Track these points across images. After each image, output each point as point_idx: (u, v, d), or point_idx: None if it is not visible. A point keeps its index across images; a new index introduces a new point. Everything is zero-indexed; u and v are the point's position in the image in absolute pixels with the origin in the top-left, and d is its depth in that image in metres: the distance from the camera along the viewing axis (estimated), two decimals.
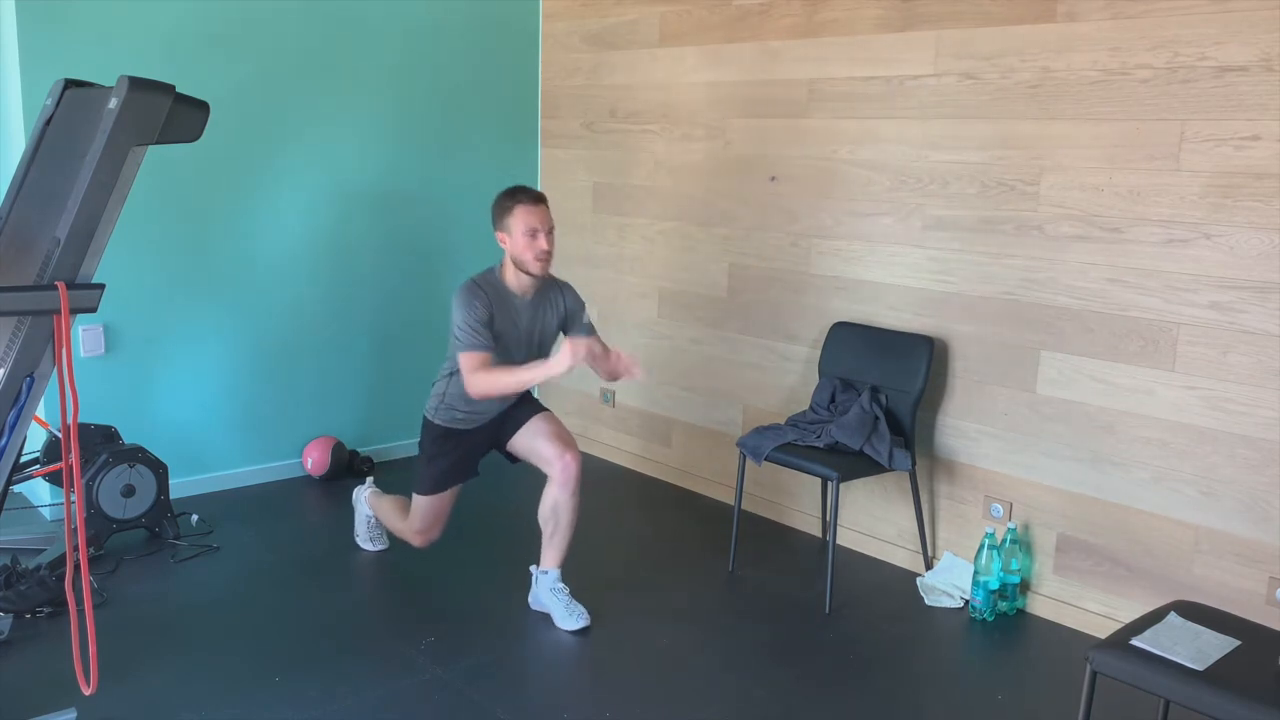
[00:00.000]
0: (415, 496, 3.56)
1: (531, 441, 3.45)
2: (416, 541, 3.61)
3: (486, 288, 3.34)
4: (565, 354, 3.04)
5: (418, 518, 3.56)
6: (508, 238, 3.33)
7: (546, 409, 3.56)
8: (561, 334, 3.53)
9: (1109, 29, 3.23)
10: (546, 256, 3.32)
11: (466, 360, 3.26)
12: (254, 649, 3.20)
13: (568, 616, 3.36)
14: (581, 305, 3.51)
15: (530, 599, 3.49)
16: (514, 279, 3.37)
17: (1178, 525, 3.23)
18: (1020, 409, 3.56)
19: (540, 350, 3.46)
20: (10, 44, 3.95)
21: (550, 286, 3.48)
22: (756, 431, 3.80)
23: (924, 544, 3.83)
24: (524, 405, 3.55)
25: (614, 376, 3.36)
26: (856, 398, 3.78)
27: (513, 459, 3.60)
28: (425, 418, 3.55)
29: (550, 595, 3.41)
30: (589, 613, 3.39)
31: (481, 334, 3.27)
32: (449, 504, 3.57)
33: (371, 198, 4.80)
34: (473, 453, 3.55)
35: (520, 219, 3.29)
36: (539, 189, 5.30)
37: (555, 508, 3.37)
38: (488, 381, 3.24)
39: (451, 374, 3.44)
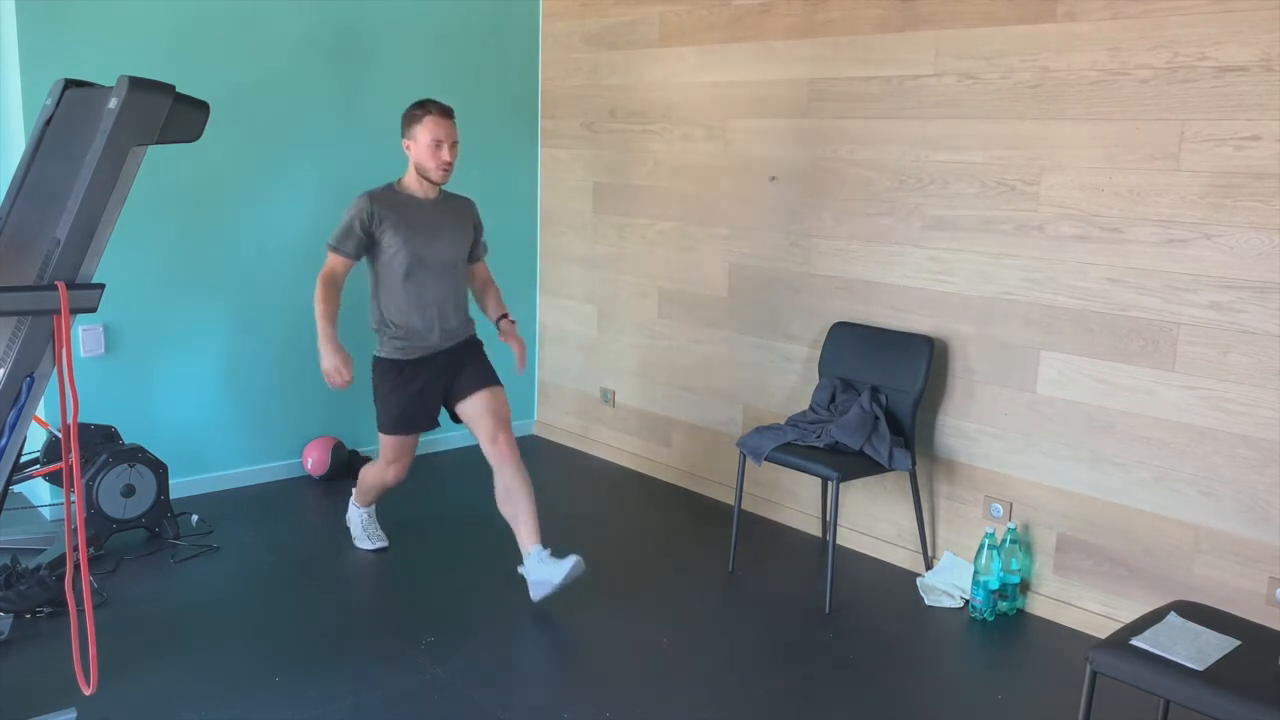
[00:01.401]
0: (381, 436, 3.68)
1: (472, 416, 3.60)
2: (390, 475, 3.76)
3: (379, 197, 3.52)
4: (324, 364, 3.41)
5: (387, 450, 3.70)
6: (413, 144, 3.51)
7: (494, 381, 3.65)
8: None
9: (1109, 29, 3.23)
10: (448, 167, 3.51)
11: (329, 256, 3.50)
12: (254, 649, 3.20)
13: (561, 569, 3.40)
14: (482, 227, 3.77)
15: (532, 594, 3.49)
16: (417, 184, 3.56)
17: (1178, 525, 3.23)
18: (1020, 409, 3.56)
19: (454, 247, 3.61)
20: (10, 44, 3.95)
21: (457, 199, 3.69)
22: (756, 431, 3.80)
23: (924, 544, 3.83)
24: (475, 366, 3.65)
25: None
26: (856, 398, 3.78)
27: (457, 419, 3.72)
28: (375, 356, 3.67)
29: (543, 568, 3.45)
30: (590, 614, 3.39)
31: (346, 242, 3.49)
32: (412, 443, 3.71)
33: None
34: (425, 396, 3.63)
35: (427, 129, 3.48)
36: (538, 187, 5.32)
37: (506, 489, 3.51)
38: (318, 292, 3.47)
39: (377, 297, 3.59)
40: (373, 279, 3.59)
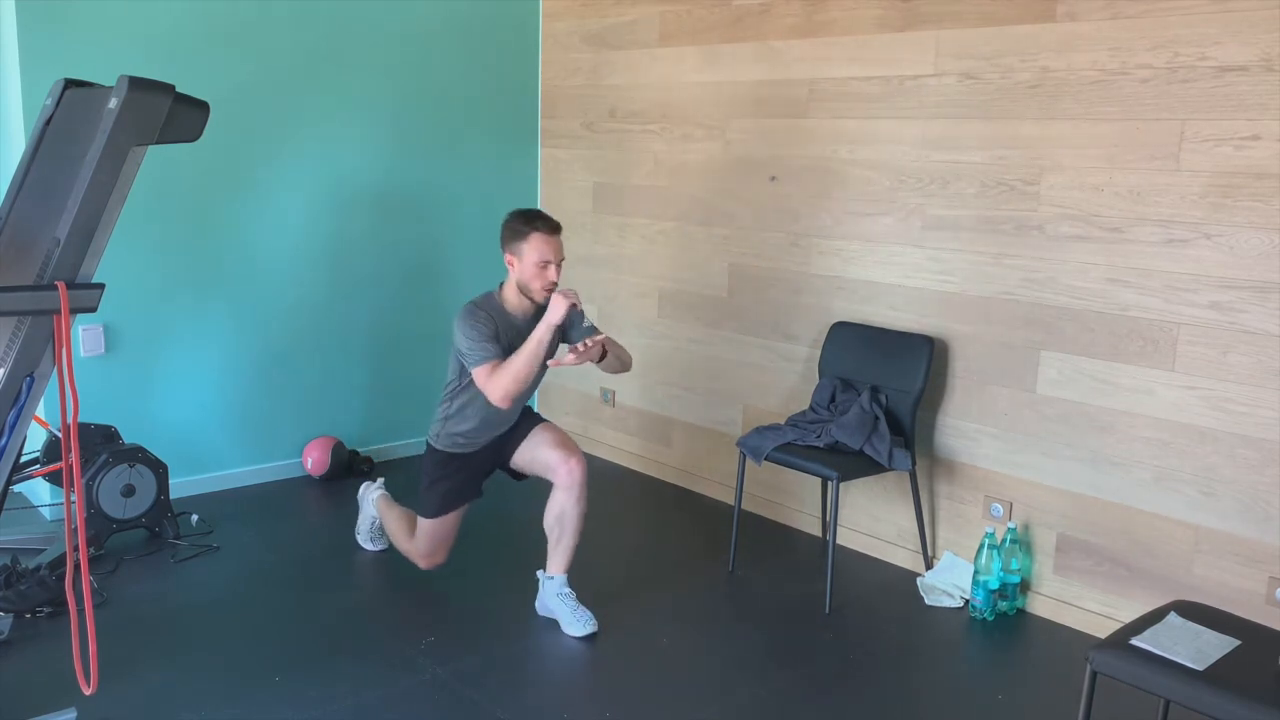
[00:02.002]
0: (420, 520, 3.56)
1: (534, 451, 3.45)
2: (422, 564, 3.62)
3: (487, 309, 3.34)
4: (557, 303, 3.16)
5: (424, 541, 3.57)
6: (517, 262, 3.30)
7: (545, 419, 3.57)
8: (564, 343, 3.51)
9: (1109, 29, 3.23)
10: (554, 288, 3.30)
11: (481, 372, 3.25)
12: (254, 649, 3.20)
13: (574, 622, 3.35)
14: (580, 314, 3.42)
15: (537, 604, 3.48)
16: (515, 301, 3.37)
17: (1178, 525, 3.23)
18: (1020, 409, 3.56)
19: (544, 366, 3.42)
20: (10, 44, 3.95)
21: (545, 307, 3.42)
22: (756, 431, 3.80)
23: (924, 544, 3.83)
24: (523, 420, 3.55)
25: (599, 360, 3.34)
26: (856, 398, 3.78)
27: (517, 476, 3.60)
28: (428, 443, 3.55)
29: (557, 600, 3.40)
30: (591, 614, 3.39)
31: (490, 347, 3.26)
32: (454, 527, 3.57)
33: (371, 197, 4.80)
34: (476, 474, 3.56)
35: (534, 248, 3.27)
36: (538, 187, 5.32)
37: (561, 515, 3.37)
38: (504, 375, 3.20)
39: (451, 398, 3.45)
40: (456, 375, 3.43)
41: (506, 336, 3.33)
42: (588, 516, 3.43)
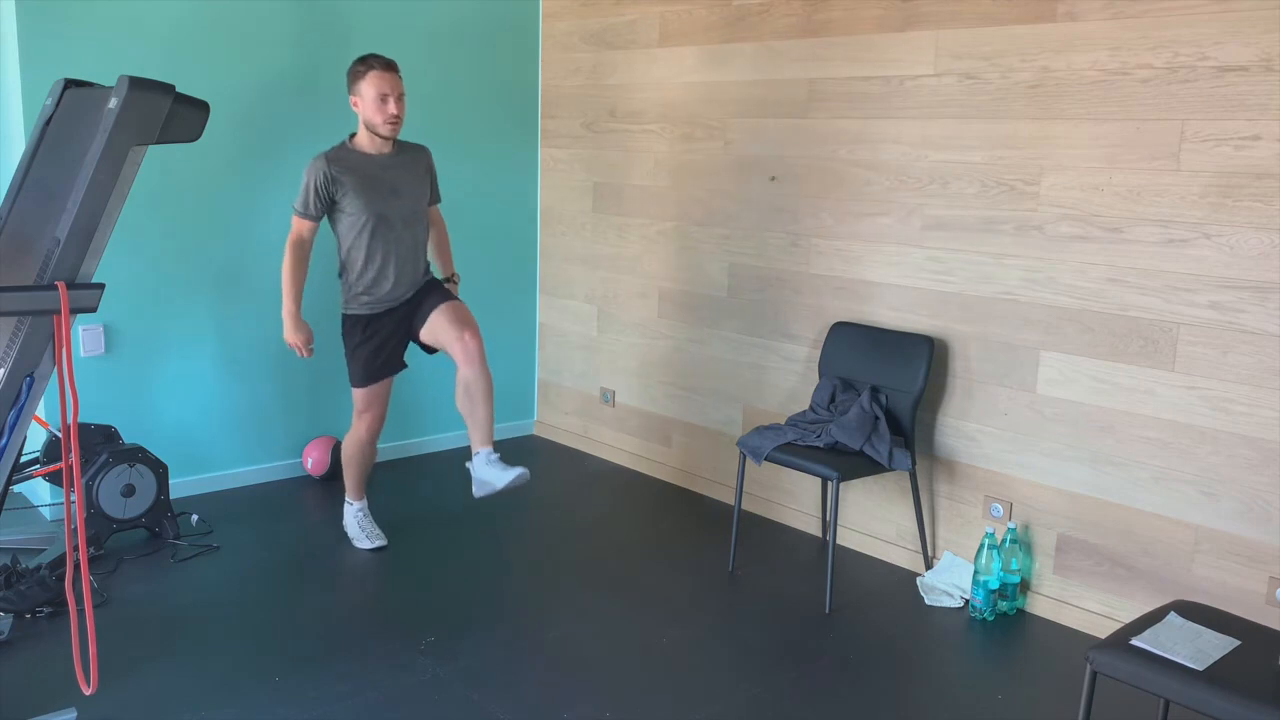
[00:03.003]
0: (354, 392, 3.78)
1: (434, 331, 3.67)
2: (363, 429, 3.82)
3: (333, 157, 3.56)
4: (287, 336, 3.60)
5: (359, 401, 3.78)
6: (360, 101, 3.55)
7: (452, 297, 3.73)
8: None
9: (1109, 29, 3.23)
10: (395, 120, 3.54)
11: (294, 221, 3.58)
12: (254, 649, 3.20)
13: (505, 474, 3.47)
14: (435, 173, 3.84)
15: (474, 487, 3.57)
16: (368, 141, 3.61)
17: (1178, 525, 3.23)
18: (1020, 409, 3.56)
19: (414, 200, 3.69)
20: (10, 44, 3.95)
21: (411, 149, 3.74)
22: (756, 431, 3.80)
23: (924, 544, 3.83)
24: (429, 293, 3.74)
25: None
26: (856, 398, 3.78)
27: (428, 349, 3.84)
28: (342, 315, 3.75)
29: (487, 468, 3.52)
30: (594, 613, 3.39)
31: (309, 204, 3.55)
32: (385, 392, 3.80)
33: None
34: (390, 341, 3.74)
35: (372, 84, 3.51)
36: (538, 187, 5.32)
37: (467, 386, 3.56)
38: (285, 261, 3.59)
39: (345, 257, 3.67)
40: (337, 238, 3.67)
41: (361, 177, 3.56)
42: (588, 516, 3.43)
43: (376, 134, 3.57)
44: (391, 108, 3.53)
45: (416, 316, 3.74)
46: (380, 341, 3.73)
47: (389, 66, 3.54)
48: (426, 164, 3.79)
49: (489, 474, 3.51)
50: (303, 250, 3.59)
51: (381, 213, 3.59)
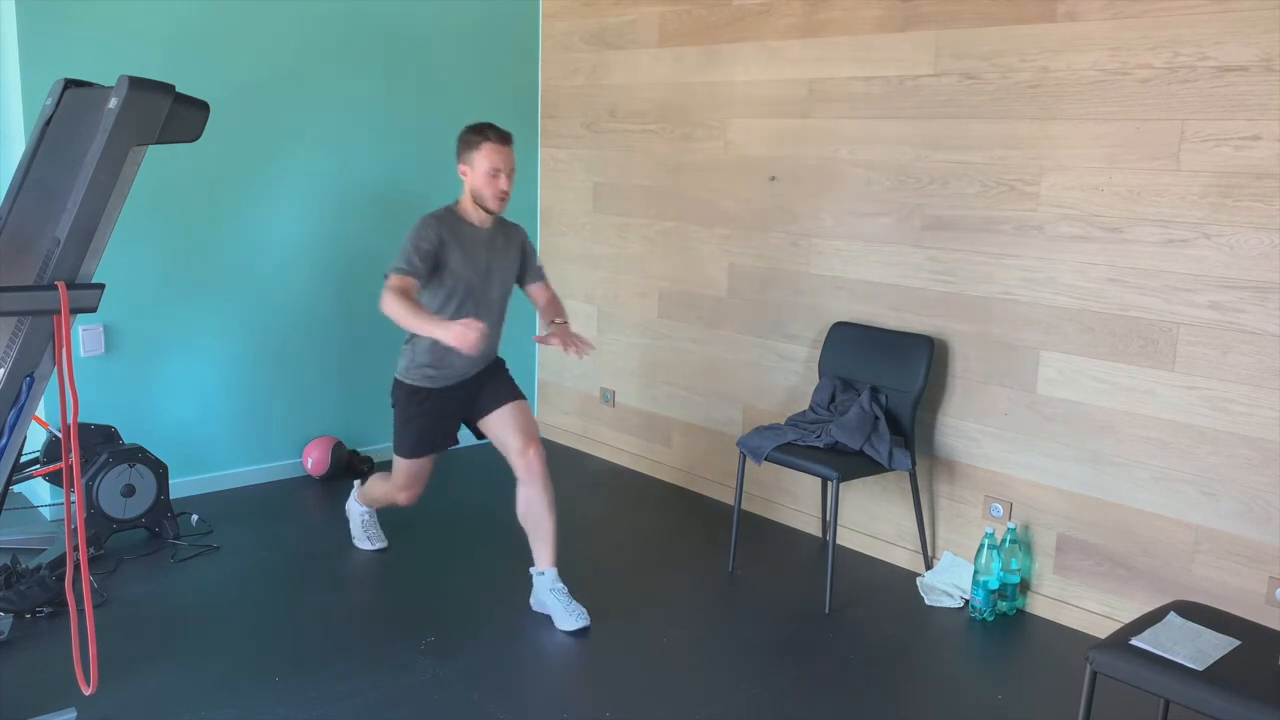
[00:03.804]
0: (395, 459, 3.59)
1: (499, 429, 3.50)
2: (401, 499, 3.67)
3: (444, 219, 3.39)
4: (455, 334, 3.02)
5: (400, 476, 3.61)
6: (470, 171, 3.38)
7: (520, 395, 3.57)
8: (518, 283, 3.61)
9: (1109, 29, 3.23)
10: (505, 196, 3.39)
11: (392, 277, 3.26)
12: (254, 649, 3.20)
13: (567, 616, 3.37)
14: (534, 251, 3.62)
15: (531, 601, 3.49)
16: (472, 211, 3.43)
17: (1178, 525, 3.23)
18: (1020, 409, 3.56)
19: (504, 282, 3.51)
20: (10, 44, 3.95)
21: (509, 227, 3.56)
22: (756, 431, 3.80)
23: (924, 544, 3.83)
24: (499, 383, 3.56)
25: (565, 348, 3.45)
26: (856, 398, 3.78)
27: (481, 436, 3.64)
28: (396, 379, 3.57)
29: (549, 595, 3.41)
30: (589, 612, 3.39)
31: (416, 263, 3.29)
32: (429, 465, 3.61)
33: (371, 197, 4.80)
34: (446, 418, 3.56)
35: (485, 156, 3.35)
36: (538, 187, 5.32)
37: (529, 506, 3.41)
38: (393, 304, 3.20)
39: (415, 333, 3.44)
40: (424, 299, 3.43)
41: (460, 245, 3.38)
42: (588, 516, 3.43)
43: (484, 207, 3.39)
44: (503, 183, 3.36)
45: (479, 403, 3.53)
46: (437, 417, 3.52)
47: (505, 140, 3.37)
48: (521, 243, 3.58)
49: (552, 606, 3.40)
50: (408, 296, 3.24)
51: (472, 287, 3.40)
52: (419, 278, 3.29)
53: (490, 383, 3.55)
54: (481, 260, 3.42)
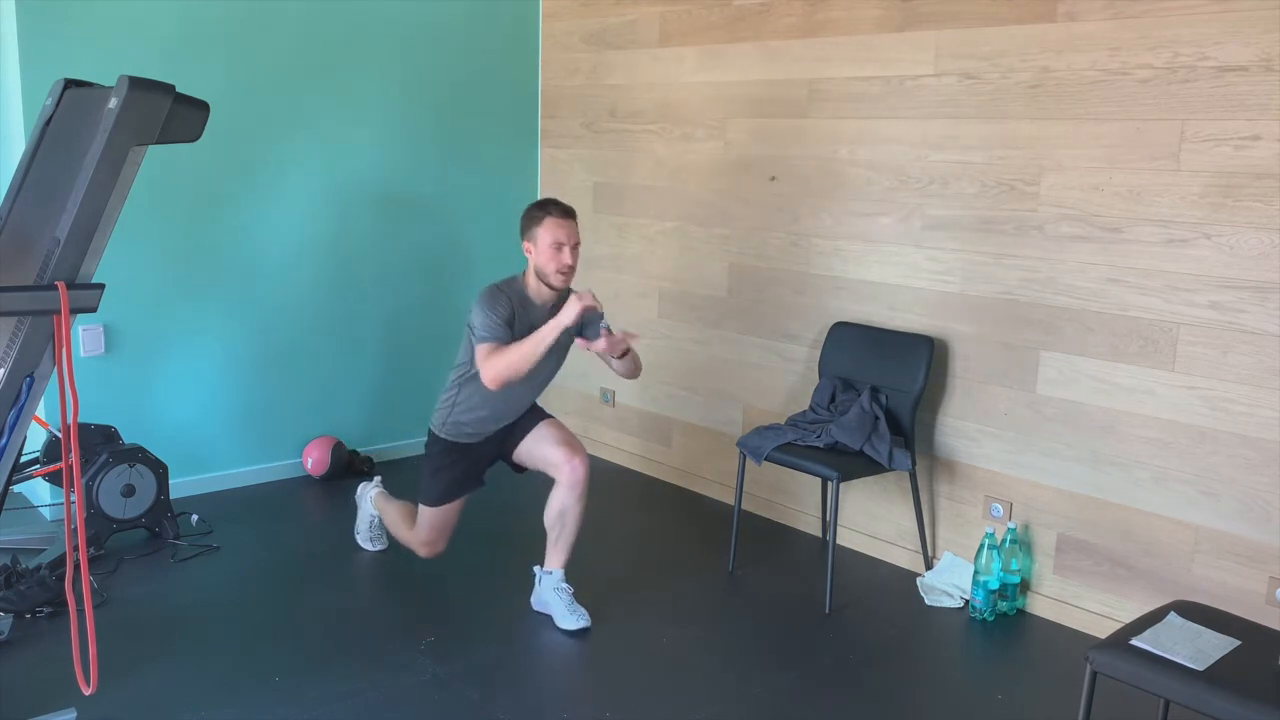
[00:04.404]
0: (421, 508, 3.54)
1: (538, 447, 3.45)
2: (423, 553, 3.60)
3: (510, 292, 3.35)
4: (571, 304, 3.12)
5: (424, 529, 3.55)
6: (533, 248, 3.35)
7: (551, 415, 3.56)
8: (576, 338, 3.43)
9: (1109, 29, 3.22)
10: (569, 270, 3.35)
11: (482, 350, 3.23)
12: (254, 649, 3.20)
13: (568, 615, 3.36)
14: (599, 316, 3.32)
15: (533, 599, 3.49)
16: (535, 289, 3.39)
17: (1178, 525, 3.23)
18: (1020, 409, 3.56)
19: (556, 361, 3.43)
20: (10, 44, 3.95)
21: (566, 297, 3.39)
22: (756, 431, 3.80)
23: (924, 544, 3.83)
24: (529, 414, 3.54)
25: (620, 356, 3.36)
26: (856, 398, 3.78)
27: (519, 469, 3.59)
28: (431, 431, 3.54)
29: (553, 594, 3.41)
30: (589, 613, 3.39)
31: (500, 329, 3.26)
32: (455, 515, 3.55)
33: (371, 197, 4.80)
34: (478, 464, 3.55)
35: (548, 231, 3.33)
36: (538, 187, 5.32)
37: (563, 511, 3.37)
38: (502, 360, 3.19)
39: (460, 384, 3.44)
40: (468, 358, 3.39)
41: (524, 322, 3.33)
42: (588, 516, 3.43)
43: (547, 284, 3.35)
44: (566, 257, 3.33)
45: (512, 439, 3.51)
46: (469, 465, 3.51)
47: (567, 214, 3.39)
48: (587, 317, 3.35)
49: (554, 605, 3.39)
50: (504, 348, 3.22)
51: (533, 367, 3.27)
52: (506, 340, 3.26)
53: (523, 419, 3.52)
54: None
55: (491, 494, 3.68)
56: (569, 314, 3.16)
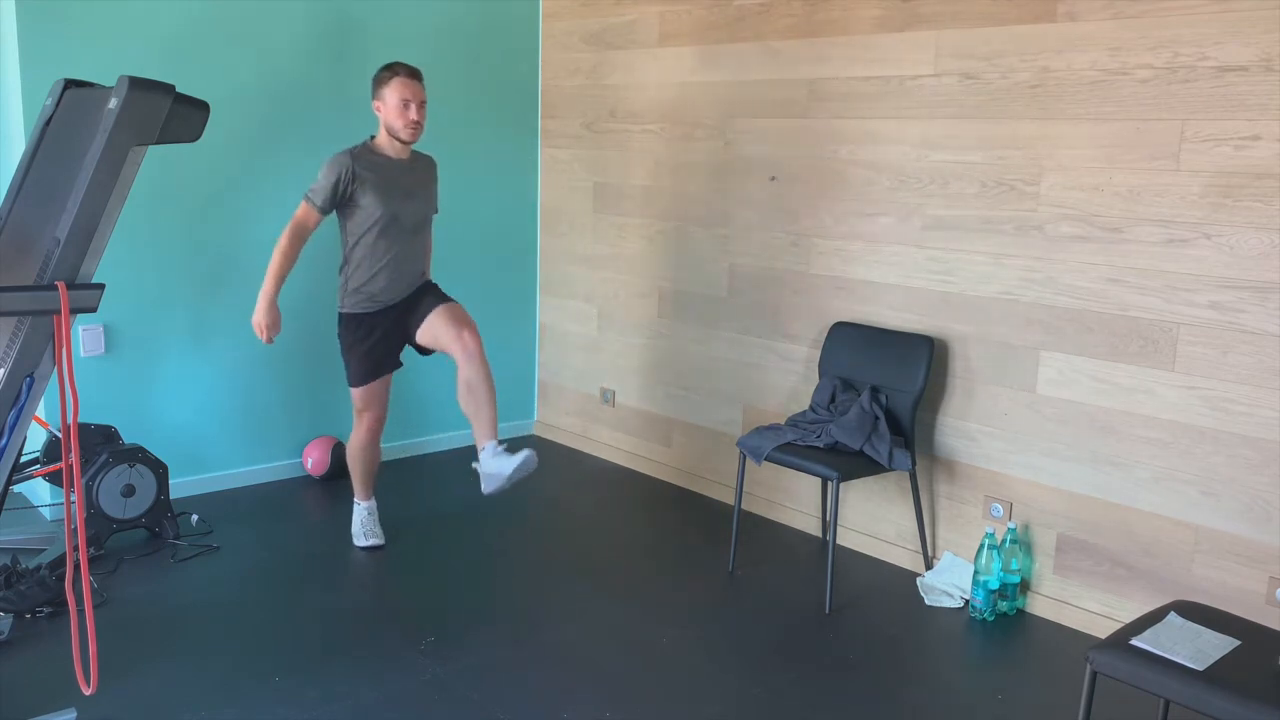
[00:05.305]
0: (352, 391, 3.84)
1: (430, 330, 3.73)
2: (364, 429, 3.88)
3: (358, 154, 3.64)
4: (260, 311, 3.58)
5: (357, 400, 3.85)
6: (383, 106, 3.64)
7: (448, 298, 3.79)
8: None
9: (1109, 29, 3.23)
10: (416, 126, 3.65)
11: (301, 207, 3.62)
12: (253, 649, 3.20)
13: (513, 459, 3.51)
14: (437, 181, 3.90)
15: (483, 483, 3.61)
16: (388, 144, 3.69)
17: (1178, 525, 3.23)
18: (1020, 409, 3.56)
19: (425, 207, 3.81)
20: (10, 44, 3.95)
21: (423, 159, 3.84)
22: (756, 431, 3.80)
23: (924, 544, 3.83)
24: (428, 296, 3.80)
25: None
26: (856, 398, 3.78)
27: (423, 351, 3.85)
28: (339, 313, 3.81)
29: (495, 459, 3.57)
30: (590, 613, 3.39)
31: (324, 195, 3.60)
32: (384, 389, 3.85)
33: None
34: (387, 340, 3.79)
35: (395, 90, 3.61)
36: (538, 187, 5.33)
37: (470, 385, 3.61)
38: (280, 245, 3.60)
39: (349, 256, 3.74)
40: (344, 236, 3.72)
41: (381, 177, 3.64)
42: (588, 516, 3.43)
43: (397, 138, 3.66)
44: (413, 114, 3.62)
45: (413, 317, 3.79)
46: (376, 340, 3.77)
47: (413, 74, 3.64)
48: (434, 175, 3.89)
49: (496, 465, 3.56)
50: (302, 238, 3.63)
51: (395, 213, 3.67)
52: (323, 210, 3.62)
53: (421, 299, 3.79)
54: (398, 189, 3.66)
55: (489, 505, 3.69)
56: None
